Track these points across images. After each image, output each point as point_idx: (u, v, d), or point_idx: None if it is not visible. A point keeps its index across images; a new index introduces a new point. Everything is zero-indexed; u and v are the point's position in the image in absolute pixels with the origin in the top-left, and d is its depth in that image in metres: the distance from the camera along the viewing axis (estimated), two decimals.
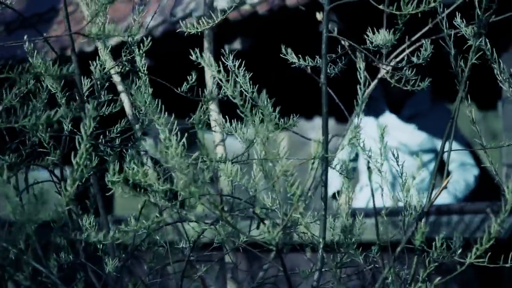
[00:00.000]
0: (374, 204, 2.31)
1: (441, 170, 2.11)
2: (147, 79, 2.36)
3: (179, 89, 2.43)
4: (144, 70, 2.38)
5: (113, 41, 2.63)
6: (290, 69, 4.11)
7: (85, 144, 1.73)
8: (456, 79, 2.18)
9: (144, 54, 2.43)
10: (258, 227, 2.05)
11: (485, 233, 1.89)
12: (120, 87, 2.59)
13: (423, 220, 2.09)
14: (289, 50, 2.27)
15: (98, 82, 2.37)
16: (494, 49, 2.16)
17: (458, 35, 2.13)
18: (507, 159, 3.50)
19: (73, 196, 1.85)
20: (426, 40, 2.14)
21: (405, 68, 2.18)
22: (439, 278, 2.05)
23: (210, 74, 2.58)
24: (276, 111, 1.90)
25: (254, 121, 1.79)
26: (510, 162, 3.48)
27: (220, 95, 2.46)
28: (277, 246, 1.71)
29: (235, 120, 2.22)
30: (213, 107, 2.59)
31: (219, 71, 1.91)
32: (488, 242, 1.88)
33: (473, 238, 3.17)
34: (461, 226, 3.32)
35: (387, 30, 2.16)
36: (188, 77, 2.47)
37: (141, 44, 2.44)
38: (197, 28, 2.17)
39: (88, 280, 2.37)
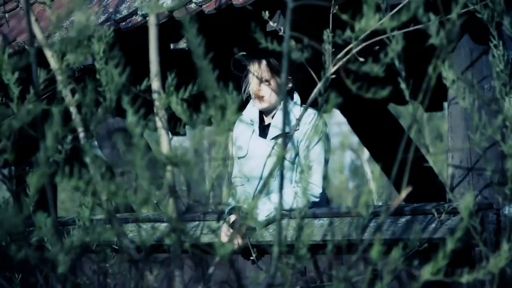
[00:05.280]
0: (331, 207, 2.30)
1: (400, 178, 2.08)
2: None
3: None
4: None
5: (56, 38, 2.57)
6: (235, 69, 4.09)
7: None
8: (409, 83, 2.16)
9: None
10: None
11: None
12: (63, 88, 2.54)
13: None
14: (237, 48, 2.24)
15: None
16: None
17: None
18: (453, 160, 3.53)
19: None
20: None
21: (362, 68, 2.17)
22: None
23: (155, 71, 2.54)
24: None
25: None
26: (456, 163, 3.51)
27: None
28: (230, 260, 1.68)
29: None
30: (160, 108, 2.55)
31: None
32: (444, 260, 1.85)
33: (421, 239, 3.18)
34: (409, 228, 3.34)
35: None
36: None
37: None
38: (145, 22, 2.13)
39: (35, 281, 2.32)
